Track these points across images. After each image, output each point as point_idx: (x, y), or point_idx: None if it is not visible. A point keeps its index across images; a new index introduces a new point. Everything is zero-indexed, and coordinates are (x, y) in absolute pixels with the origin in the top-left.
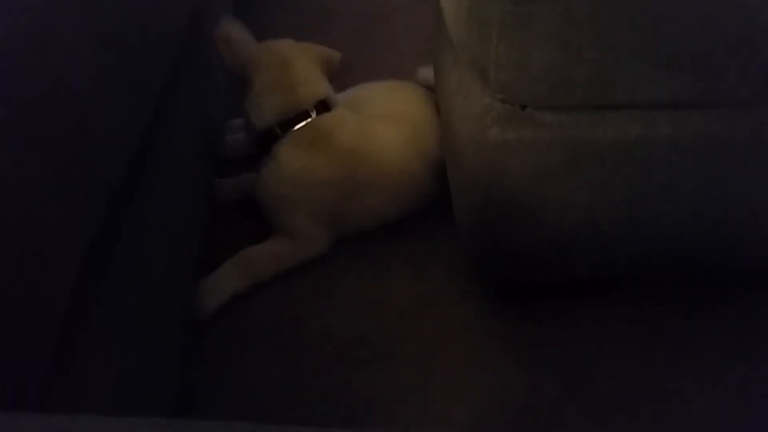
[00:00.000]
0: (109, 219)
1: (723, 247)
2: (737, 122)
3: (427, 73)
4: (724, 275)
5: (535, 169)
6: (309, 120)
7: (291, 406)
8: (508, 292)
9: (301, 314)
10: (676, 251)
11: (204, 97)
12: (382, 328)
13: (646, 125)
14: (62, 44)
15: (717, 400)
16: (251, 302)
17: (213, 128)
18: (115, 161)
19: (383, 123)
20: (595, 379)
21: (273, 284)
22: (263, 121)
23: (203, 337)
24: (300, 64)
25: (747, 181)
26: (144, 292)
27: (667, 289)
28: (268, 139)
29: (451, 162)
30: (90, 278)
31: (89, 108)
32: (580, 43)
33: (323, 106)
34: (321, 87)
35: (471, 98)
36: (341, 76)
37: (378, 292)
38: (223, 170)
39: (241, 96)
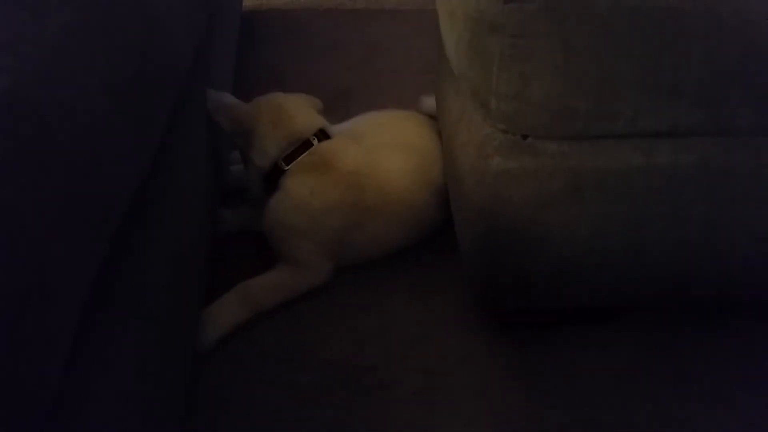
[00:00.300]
0: (115, 249)
1: (727, 275)
2: (738, 151)
3: (430, 102)
4: (732, 302)
5: (537, 197)
6: (312, 147)
7: None
8: (511, 320)
9: (303, 342)
10: (680, 279)
11: (209, 127)
12: (385, 357)
13: (646, 154)
14: (71, 78)
15: (724, 430)
16: (254, 329)
17: (217, 158)
18: (121, 193)
19: (388, 150)
20: (601, 407)
21: (276, 312)
22: (269, 158)
23: (205, 364)
24: (292, 103)
25: (749, 208)
26: (149, 322)
27: (673, 316)
28: (274, 175)
29: (454, 190)
30: (95, 308)
31: (95, 140)
32: (580, 74)
33: (323, 135)
34: (317, 118)
35: (473, 128)
36: (343, 106)
37: (381, 321)
38: (226, 200)
39: (245, 153)
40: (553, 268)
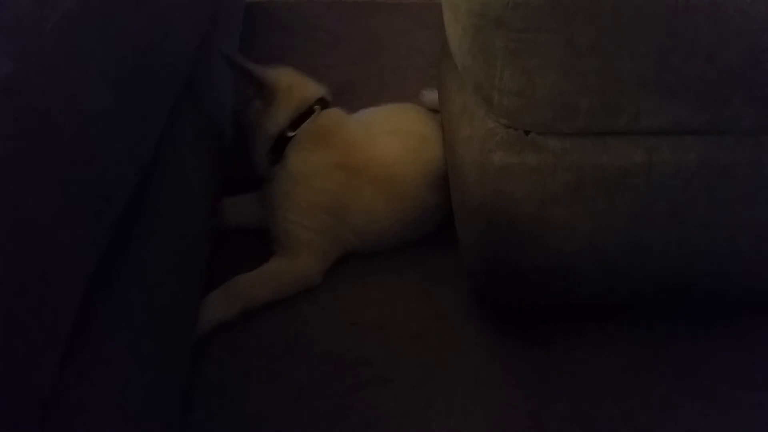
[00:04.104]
0: (116, 238)
1: (727, 274)
2: (740, 149)
3: (431, 95)
4: (730, 301)
5: (538, 193)
6: (314, 115)
7: (289, 428)
8: (511, 315)
9: (302, 335)
10: (680, 277)
11: (212, 118)
12: (383, 351)
13: (648, 152)
14: (73, 67)
15: (721, 429)
16: (252, 322)
17: (220, 149)
18: (122, 183)
19: (384, 134)
20: (598, 404)
21: (275, 304)
22: (278, 126)
23: (203, 356)
24: (302, 76)
25: (750, 207)
26: (148, 312)
27: (672, 314)
28: (279, 145)
29: (455, 185)
30: (96, 297)
31: (99, 129)
32: (584, 72)
33: (324, 103)
34: (321, 88)
35: (475, 122)
36: (346, 99)
37: (380, 315)
38: (230, 192)
39: (257, 122)
40: (553, 265)
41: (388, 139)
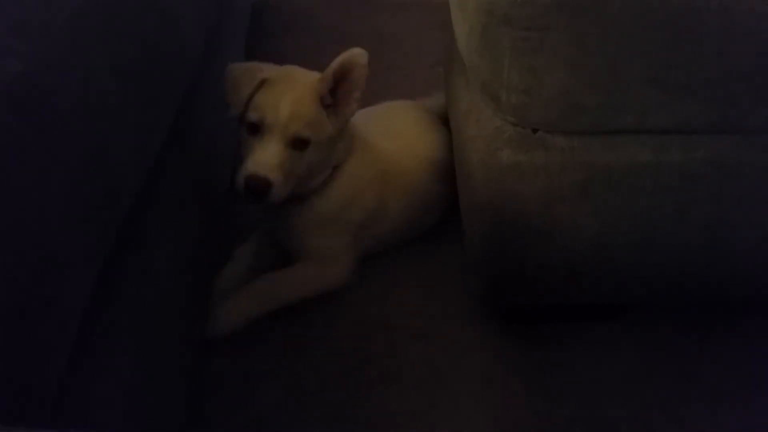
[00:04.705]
0: (123, 238)
1: (734, 274)
2: (749, 149)
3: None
4: (737, 301)
5: (545, 192)
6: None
7: (295, 427)
8: (517, 314)
9: (308, 334)
10: (688, 277)
11: (220, 118)
12: (389, 350)
13: (656, 150)
14: (81, 66)
15: (726, 430)
16: (258, 321)
17: (231, 147)
18: (131, 179)
19: (390, 134)
20: (605, 404)
21: None
22: (339, 160)
23: (209, 355)
24: None
25: (757, 207)
26: (154, 310)
27: (678, 314)
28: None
29: (462, 183)
30: (102, 297)
31: (107, 127)
32: (591, 69)
33: None
34: None
35: (483, 121)
36: None
37: (386, 314)
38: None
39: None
40: (559, 263)
41: (395, 140)
